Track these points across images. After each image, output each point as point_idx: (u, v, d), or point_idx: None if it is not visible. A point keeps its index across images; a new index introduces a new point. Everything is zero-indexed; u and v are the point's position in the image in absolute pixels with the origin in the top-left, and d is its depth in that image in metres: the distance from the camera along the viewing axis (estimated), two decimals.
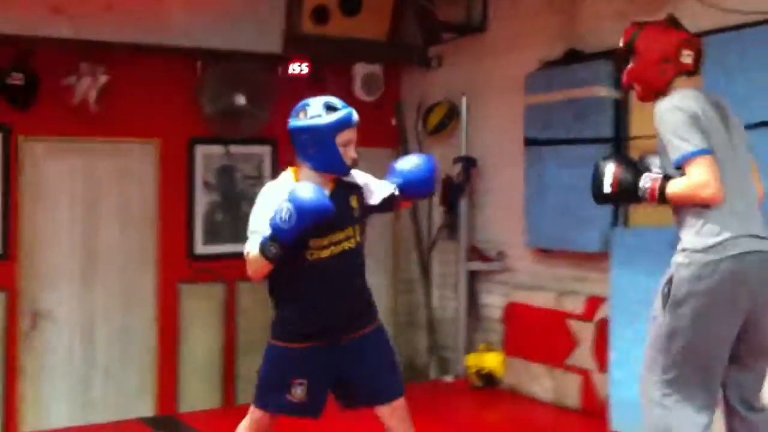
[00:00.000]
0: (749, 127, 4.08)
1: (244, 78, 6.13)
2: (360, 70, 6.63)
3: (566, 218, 5.29)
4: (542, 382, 5.39)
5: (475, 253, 6.15)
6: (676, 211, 3.05)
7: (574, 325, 5.19)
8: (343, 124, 3.18)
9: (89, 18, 5.50)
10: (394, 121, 7.00)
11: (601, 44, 5.16)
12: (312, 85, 6.49)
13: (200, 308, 6.26)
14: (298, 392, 3.24)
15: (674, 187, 2.95)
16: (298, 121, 3.22)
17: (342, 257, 3.21)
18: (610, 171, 3.12)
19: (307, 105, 3.23)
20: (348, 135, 3.20)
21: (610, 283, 4.86)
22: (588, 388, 5.09)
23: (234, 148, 6.36)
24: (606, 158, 3.23)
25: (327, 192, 3.15)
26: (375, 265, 6.97)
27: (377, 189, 3.40)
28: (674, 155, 2.93)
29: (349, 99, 6.48)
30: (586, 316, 5.13)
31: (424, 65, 6.68)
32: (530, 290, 5.66)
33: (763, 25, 4.18)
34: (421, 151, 6.78)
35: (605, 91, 5.07)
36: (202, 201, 6.31)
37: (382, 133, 6.98)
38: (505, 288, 5.92)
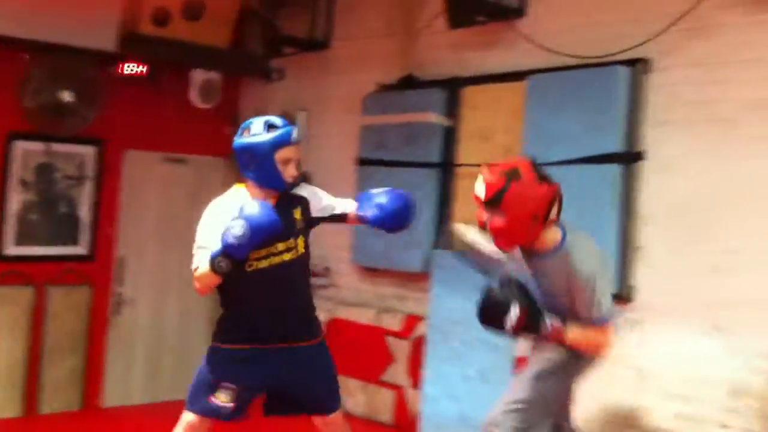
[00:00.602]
0: (570, 162, 4.37)
1: (72, 74, 5.90)
2: (198, 76, 6.55)
3: (391, 237, 5.37)
4: (356, 397, 5.46)
5: None
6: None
7: (392, 341, 5.30)
8: (282, 142, 3.28)
9: None
10: (229, 131, 6.93)
11: (435, 73, 5.34)
12: (148, 88, 6.37)
13: (6, 312, 5.91)
14: (223, 396, 3.32)
15: (574, 337, 3.12)
16: (240, 140, 3.32)
17: (281, 267, 3.30)
18: (514, 313, 3.09)
19: (250, 123, 3.34)
20: (287, 153, 3.30)
21: (429, 302, 5.00)
22: (401, 404, 5.20)
23: (56, 146, 6.08)
24: (505, 292, 3.17)
25: (272, 203, 3.26)
26: None
27: (329, 204, 3.51)
28: (596, 313, 3.08)
29: (185, 105, 6.53)
30: (404, 334, 5.26)
31: (265, 77, 6.68)
32: (353, 306, 5.74)
33: (582, 68, 4.45)
34: None
35: (436, 118, 5.24)
36: (16, 199, 5.98)
37: (216, 142, 6.89)
38: (329, 303, 5.96)
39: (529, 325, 3.09)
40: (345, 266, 5.88)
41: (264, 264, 3.28)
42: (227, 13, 6.27)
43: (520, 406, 3.18)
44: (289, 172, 3.32)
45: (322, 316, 5.96)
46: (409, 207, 3.50)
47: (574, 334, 3.09)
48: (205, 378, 3.36)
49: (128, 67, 6.11)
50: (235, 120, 6.94)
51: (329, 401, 3.45)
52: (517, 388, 3.26)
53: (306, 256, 3.41)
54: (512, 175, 3.08)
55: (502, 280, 3.22)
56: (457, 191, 5.14)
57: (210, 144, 6.88)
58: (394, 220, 3.46)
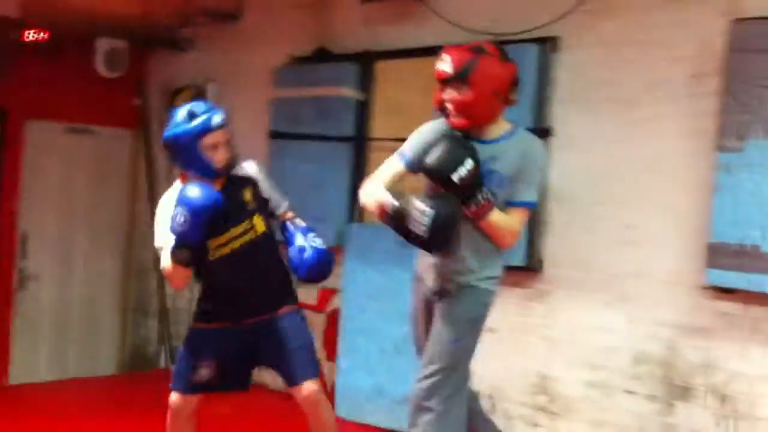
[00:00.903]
0: None
1: None
2: (103, 44, 6.38)
3: (305, 212, 5.37)
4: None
5: None
6: (474, 238, 3.13)
7: (308, 315, 5.31)
8: (204, 129, 3.28)
9: None
10: (136, 101, 6.80)
11: (348, 46, 5.35)
12: (51, 56, 6.18)
13: None
14: (203, 373, 3.40)
15: (496, 218, 3.10)
16: (165, 132, 3.34)
17: (243, 250, 3.33)
18: (469, 166, 2.99)
19: (174, 114, 3.35)
20: (212, 138, 3.29)
21: (343, 276, 5.05)
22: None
23: None
24: (460, 148, 3.06)
25: (217, 189, 3.28)
26: (106, 249, 6.78)
27: (269, 192, 3.51)
28: (526, 196, 3.14)
29: (90, 74, 6.36)
30: (319, 307, 5.30)
31: (175, 47, 6.56)
32: None
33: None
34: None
35: (349, 92, 5.26)
36: None
37: (124, 113, 6.77)
38: None
39: (475, 185, 3.02)
40: None
41: (225, 251, 3.33)
42: None
43: (444, 374, 3.17)
44: (219, 157, 3.32)
45: None
46: (328, 265, 3.47)
47: (497, 216, 3.09)
48: (184, 360, 3.45)
49: (30, 34, 5.90)
50: (142, 91, 6.81)
51: (301, 369, 3.38)
52: (436, 354, 3.19)
53: (268, 234, 3.44)
54: (479, 50, 3.10)
55: (453, 137, 3.11)
56: (370, 165, 5.19)
57: (116, 115, 6.74)
58: (309, 273, 3.41)
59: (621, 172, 4.13)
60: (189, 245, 3.17)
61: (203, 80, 6.29)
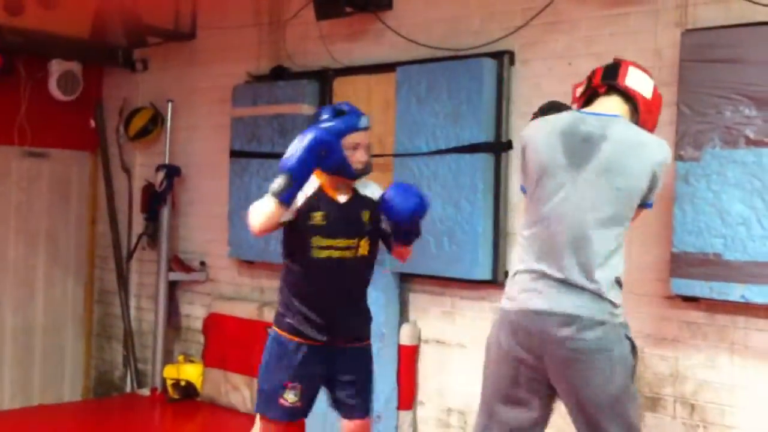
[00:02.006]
0: (442, 151, 4.47)
1: None
2: (57, 66, 6.31)
3: None
4: (241, 392, 5.43)
5: (177, 263, 6.06)
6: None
7: None
8: (348, 128, 3.27)
9: None
10: (93, 123, 6.71)
11: (305, 63, 5.32)
12: (4, 79, 6.08)
13: None
14: (291, 396, 3.34)
15: None
16: (311, 127, 3.25)
17: (340, 264, 3.33)
18: None
19: (320, 112, 3.36)
20: (354, 138, 3.28)
21: None
22: None
23: None
24: None
25: (344, 199, 3.36)
26: (68, 272, 6.68)
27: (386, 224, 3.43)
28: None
29: (45, 97, 6.27)
30: None
31: (129, 67, 6.48)
32: (232, 301, 5.69)
33: (450, 60, 4.54)
34: (121, 156, 6.57)
35: (308, 109, 5.22)
36: None
37: (81, 135, 6.67)
38: (207, 299, 5.90)
39: None
40: (222, 261, 5.82)
41: (323, 254, 3.31)
42: (85, 1, 6.03)
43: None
44: (357, 158, 3.30)
45: (199, 311, 5.95)
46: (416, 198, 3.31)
47: None
48: (273, 376, 3.37)
49: None
50: (99, 112, 6.72)
51: (362, 405, 3.43)
52: None
53: (369, 260, 3.42)
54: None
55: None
56: None
57: (73, 137, 6.66)
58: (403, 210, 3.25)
59: None
60: (290, 174, 3.09)
61: (160, 99, 6.22)
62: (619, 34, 4.01)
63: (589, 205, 2.75)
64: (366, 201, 3.41)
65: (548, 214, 2.79)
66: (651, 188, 2.82)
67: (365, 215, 3.39)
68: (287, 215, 3.26)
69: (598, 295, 2.71)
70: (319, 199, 3.34)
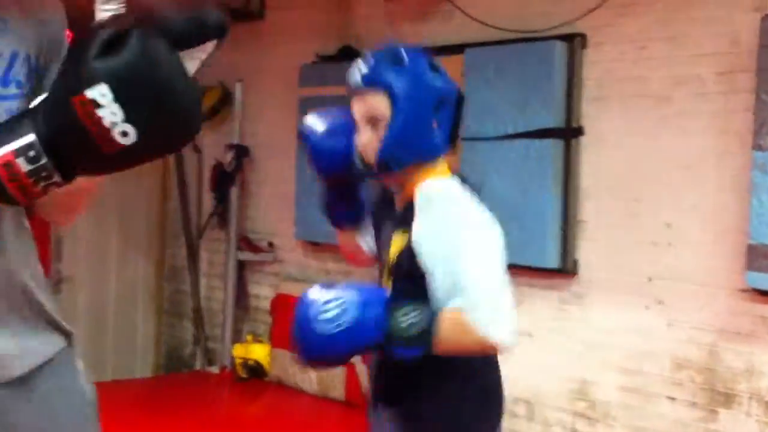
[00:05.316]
0: (501, 137, 4.40)
1: None
2: None
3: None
4: (308, 374, 5.49)
5: (245, 242, 6.13)
6: None
7: None
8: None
9: None
10: None
11: (373, 44, 5.26)
12: None
13: None
14: None
15: None
16: (424, 77, 2.12)
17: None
18: None
19: (419, 56, 2.18)
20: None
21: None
22: (351, 380, 5.24)
23: None
24: None
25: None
26: (139, 250, 6.81)
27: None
28: None
29: None
30: None
31: None
32: (299, 282, 5.73)
33: (519, 42, 4.44)
34: None
35: None
36: None
37: None
38: (274, 279, 5.95)
39: None
40: (289, 242, 5.85)
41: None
42: None
43: None
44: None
45: (267, 291, 6.01)
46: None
47: None
48: None
49: None
50: None
51: None
52: None
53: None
54: None
55: None
56: None
57: None
58: None
59: (653, 170, 4.03)
60: (319, 173, 2.35)
61: (230, 79, 6.25)
62: (696, 19, 3.86)
63: None
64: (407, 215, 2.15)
65: None
66: None
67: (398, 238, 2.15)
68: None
69: None
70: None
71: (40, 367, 1.55)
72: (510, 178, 4.42)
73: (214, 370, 6.16)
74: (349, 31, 5.48)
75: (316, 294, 2.02)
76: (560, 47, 4.29)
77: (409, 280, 2.01)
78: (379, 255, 2.26)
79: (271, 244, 6.04)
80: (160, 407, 5.51)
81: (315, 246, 5.70)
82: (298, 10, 5.78)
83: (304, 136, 2.40)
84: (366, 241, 2.42)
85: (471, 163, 4.40)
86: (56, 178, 1.17)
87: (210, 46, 1.32)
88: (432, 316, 1.88)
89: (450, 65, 4.77)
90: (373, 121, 2.10)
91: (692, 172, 3.90)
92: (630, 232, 4.11)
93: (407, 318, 1.88)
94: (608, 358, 4.14)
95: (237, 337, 6.08)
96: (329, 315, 1.92)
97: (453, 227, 1.99)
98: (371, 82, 2.11)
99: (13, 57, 1.44)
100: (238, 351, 5.86)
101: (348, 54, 5.46)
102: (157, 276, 6.93)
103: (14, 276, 1.50)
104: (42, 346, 1.57)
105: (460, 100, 2.17)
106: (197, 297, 6.54)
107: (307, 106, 5.62)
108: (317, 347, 1.98)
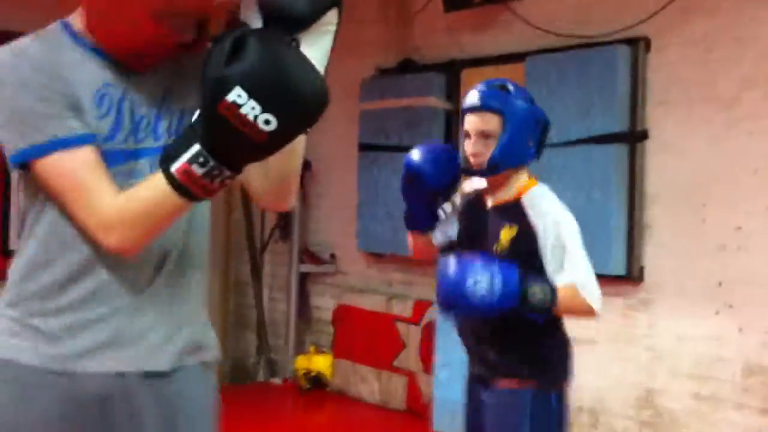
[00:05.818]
0: (565, 144, 4.37)
1: None
2: None
3: (397, 223, 5.38)
4: (369, 384, 5.49)
5: (308, 254, 6.18)
6: None
7: (402, 327, 5.32)
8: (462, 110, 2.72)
9: None
10: None
11: (433, 56, 5.30)
12: None
13: None
14: None
15: None
16: (529, 106, 2.66)
17: None
18: None
19: (505, 82, 2.71)
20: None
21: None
22: (413, 390, 5.23)
23: None
24: None
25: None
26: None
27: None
28: None
29: None
30: (414, 319, 5.27)
31: None
32: (361, 293, 5.75)
33: (581, 48, 4.42)
34: None
35: (437, 102, 5.21)
36: None
37: None
38: (336, 290, 5.98)
39: None
40: (351, 253, 5.89)
41: None
42: None
43: None
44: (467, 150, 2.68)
45: (329, 303, 6.04)
46: None
47: None
48: None
49: None
50: None
51: None
52: None
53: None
54: None
55: None
56: None
57: None
58: None
59: (720, 173, 3.97)
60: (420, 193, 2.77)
61: None
62: (763, 19, 3.80)
63: None
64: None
65: None
66: None
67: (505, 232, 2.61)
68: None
69: None
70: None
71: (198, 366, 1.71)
72: (574, 185, 4.37)
73: (277, 381, 6.20)
74: (409, 43, 5.52)
75: (463, 261, 2.44)
76: (623, 51, 4.26)
77: (521, 260, 2.48)
78: (471, 242, 2.68)
79: (333, 256, 6.08)
80: (224, 419, 5.55)
81: (377, 257, 5.72)
82: (359, 23, 5.84)
83: (411, 165, 2.82)
84: (434, 236, 2.84)
85: (535, 170, 4.37)
86: (227, 173, 1.41)
87: (332, 15, 1.47)
88: (553, 290, 2.43)
89: (511, 74, 4.82)
90: (485, 134, 2.58)
91: (761, 175, 3.82)
92: (698, 236, 4.04)
93: (539, 291, 2.42)
94: (676, 365, 4.06)
95: (300, 349, 6.12)
96: (481, 282, 2.38)
97: (556, 222, 2.55)
98: (488, 105, 2.60)
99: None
100: (301, 362, 5.89)
101: (408, 67, 5.50)
102: (223, 289, 7.01)
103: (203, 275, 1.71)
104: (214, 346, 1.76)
105: (546, 124, 2.69)
106: (261, 309, 6.60)
107: (367, 119, 5.69)
108: (464, 305, 2.44)
